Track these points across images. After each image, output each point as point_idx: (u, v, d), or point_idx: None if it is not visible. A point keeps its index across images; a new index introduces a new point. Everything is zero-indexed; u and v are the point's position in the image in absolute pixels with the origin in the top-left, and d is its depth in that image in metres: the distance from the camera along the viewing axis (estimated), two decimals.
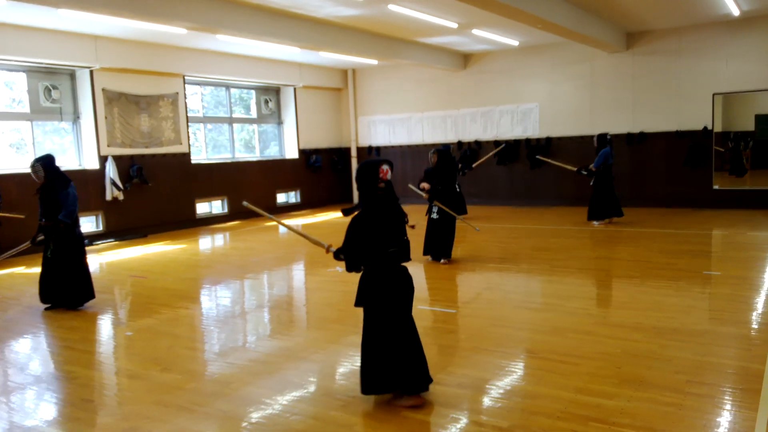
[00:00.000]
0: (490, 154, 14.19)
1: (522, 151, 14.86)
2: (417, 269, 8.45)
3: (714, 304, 6.14)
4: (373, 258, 3.82)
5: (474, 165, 13.51)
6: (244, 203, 4.83)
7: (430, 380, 3.97)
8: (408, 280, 3.98)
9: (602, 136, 11.36)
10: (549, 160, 12.91)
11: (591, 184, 11.39)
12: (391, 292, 3.86)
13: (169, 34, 11.16)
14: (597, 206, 11.34)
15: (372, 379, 3.86)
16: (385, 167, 3.82)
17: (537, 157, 13.31)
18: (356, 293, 3.93)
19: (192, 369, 4.82)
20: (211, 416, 3.90)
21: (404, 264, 4.00)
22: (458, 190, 8.88)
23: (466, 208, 11.15)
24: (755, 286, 6.64)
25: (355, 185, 4.01)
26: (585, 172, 11.50)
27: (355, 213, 3.84)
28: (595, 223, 11.38)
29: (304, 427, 3.69)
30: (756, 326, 5.27)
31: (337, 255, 3.97)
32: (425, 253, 8.53)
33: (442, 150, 8.64)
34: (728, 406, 3.74)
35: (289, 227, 4.92)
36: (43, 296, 6.72)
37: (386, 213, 3.84)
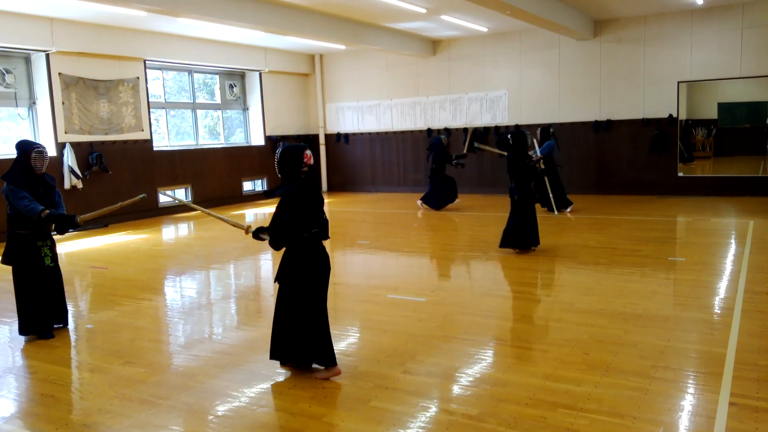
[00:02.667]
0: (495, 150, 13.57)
1: (491, 139, 14.90)
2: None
3: (678, 290, 6.24)
4: (299, 236, 4.04)
5: (463, 153, 13.43)
6: (161, 191, 4.94)
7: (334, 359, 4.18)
8: (326, 257, 4.20)
9: (545, 130, 11.25)
10: (487, 148, 12.18)
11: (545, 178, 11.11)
12: (314, 269, 4.10)
13: (129, 16, 10.83)
14: (556, 196, 11.25)
15: (281, 347, 4.17)
16: (308, 152, 4.03)
17: (475, 144, 12.95)
18: (277, 270, 4.15)
19: (155, 362, 4.70)
20: (176, 410, 3.80)
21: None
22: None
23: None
24: (718, 272, 6.78)
25: (277, 168, 4.23)
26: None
27: (280, 194, 4.03)
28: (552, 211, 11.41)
29: (272, 419, 3.63)
30: (718, 311, 5.37)
31: (257, 234, 4.15)
32: (524, 245, 7.85)
33: (516, 133, 7.94)
34: (692, 390, 3.80)
35: (206, 212, 4.99)
36: (44, 321, 5.33)
37: (310, 194, 4.07)
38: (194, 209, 4.95)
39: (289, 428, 3.50)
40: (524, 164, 7.79)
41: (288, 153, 4.00)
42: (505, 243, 7.95)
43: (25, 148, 5.17)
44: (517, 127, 14.53)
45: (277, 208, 4.02)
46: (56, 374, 4.59)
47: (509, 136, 7.86)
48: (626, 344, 4.58)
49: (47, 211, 5.07)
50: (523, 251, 7.94)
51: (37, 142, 5.13)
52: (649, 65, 13.08)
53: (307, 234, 4.05)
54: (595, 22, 13.41)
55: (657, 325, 4.98)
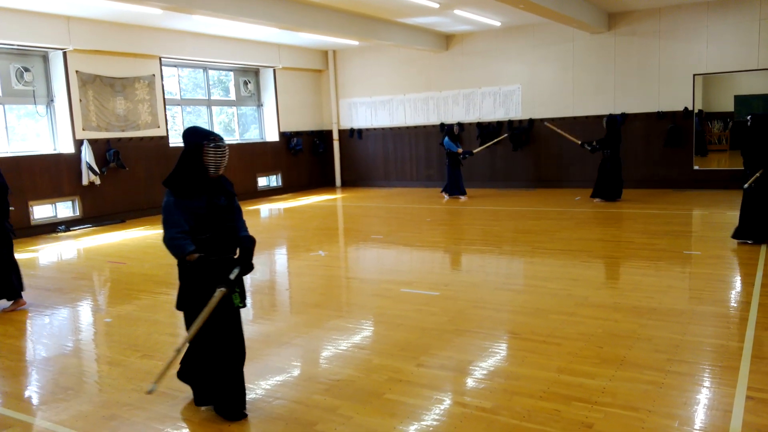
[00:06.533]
0: (495, 140, 14.41)
1: (504, 133, 14.84)
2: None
3: (693, 284, 6.20)
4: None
5: (475, 151, 13.80)
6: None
7: None
8: None
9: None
10: (558, 130, 12.84)
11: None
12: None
13: (144, 14, 10.92)
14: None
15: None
16: None
17: (545, 123, 13.44)
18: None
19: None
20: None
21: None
22: None
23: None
24: (734, 266, 6.72)
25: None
26: (588, 148, 11.73)
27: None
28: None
29: (287, 411, 3.66)
30: (734, 305, 5.33)
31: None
32: (758, 238, 7.43)
33: (758, 115, 7.40)
34: (707, 384, 3.78)
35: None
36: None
37: None
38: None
39: (303, 420, 3.54)
40: (763, 150, 7.22)
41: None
42: (738, 234, 7.57)
43: (197, 139, 3.58)
44: (530, 121, 14.47)
45: None
46: (75, 367, 4.67)
47: (748, 117, 7.37)
48: (641, 338, 4.56)
49: (197, 255, 3.43)
50: (756, 244, 7.46)
51: (214, 132, 3.69)
52: (664, 58, 12.94)
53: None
54: (610, 15, 13.29)
55: (672, 319, 4.96)
